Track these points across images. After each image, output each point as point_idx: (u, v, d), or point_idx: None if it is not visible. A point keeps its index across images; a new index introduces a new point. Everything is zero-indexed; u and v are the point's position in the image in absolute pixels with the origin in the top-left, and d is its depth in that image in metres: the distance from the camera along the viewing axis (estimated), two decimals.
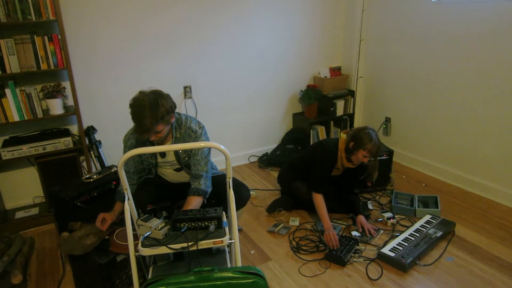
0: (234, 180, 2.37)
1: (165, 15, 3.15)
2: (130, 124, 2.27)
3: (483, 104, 2.98)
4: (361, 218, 2.65)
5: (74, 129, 3.07)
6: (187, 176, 2.38)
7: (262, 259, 2.44)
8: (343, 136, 2.66)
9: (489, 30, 2.83)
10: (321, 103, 3.92)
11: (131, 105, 2.04)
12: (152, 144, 2.18)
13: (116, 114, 3.18)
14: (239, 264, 1.76)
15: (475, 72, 2.99)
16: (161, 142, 2.18)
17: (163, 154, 2.28)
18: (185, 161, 2.28)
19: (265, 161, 3.84)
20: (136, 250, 1.70)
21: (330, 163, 2.66)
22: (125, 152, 2.25)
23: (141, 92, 2.06)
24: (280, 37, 3.72)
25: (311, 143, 3.92)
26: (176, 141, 2.21)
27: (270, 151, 3.97)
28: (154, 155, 2.28)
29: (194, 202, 2.10)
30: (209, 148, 2.29)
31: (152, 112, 1.97)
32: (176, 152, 2.27)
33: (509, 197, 2.92)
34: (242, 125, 3.82)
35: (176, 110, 2.17)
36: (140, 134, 2.05)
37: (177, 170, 2.35)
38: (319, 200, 2.62)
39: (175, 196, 2.39)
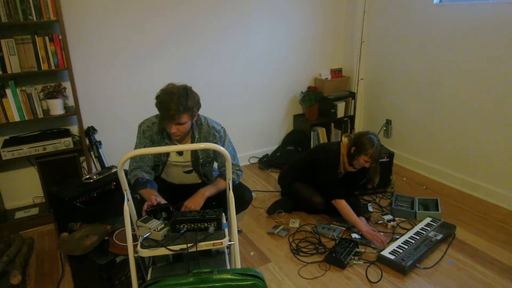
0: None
1: (167, 16, 3.15)
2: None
3: (484, 107, 2.98)
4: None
5: (74, 129, 3.07)
6: (192, 179, 2.38)
7: (262, 261, 2.44)
8: (344, 140, 2.66)
9: (490, 32, 2.83)
10: (321, 104, 3.92)
11: (159, 95, 2.05)
12: (170, 140, 2.20)
13: (117, 115, 3.18)
14: (239, 265, 1.75)
15: (476, 74, 2.98)
16: (180, 140, 2.18)
17: (180, 152, 2.28)
18: (201, 162, 2.30)
19: (266, 162, 3.83)
20: (135, 251, 1.70)
21: (334, 168, 2.66)
22: (138, 136, 2.24)
23: (170, 83, 2.09)
24: (281, 38, 3.72)
25: (312, 144, 3.92)
26: (197, 142, 2.21)
27: (271, 152, 3.97)
28: (166, 153, 2.28)
29: (220, 184, 2.24)
30: (233, 146, 2.37)
31: (180, 100, 1.98)
32: (194, 153, 2.27)
33: (510, 200, 2.92)
34: (242, 126, 3.82)
35: None
36: (164, 120, 2.04)
37: (187, 172, 2.35)
38: (344, 205, 2.59)
39: (175, 197, 2.38)
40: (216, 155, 2.33)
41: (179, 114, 1.99)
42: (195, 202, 2.09)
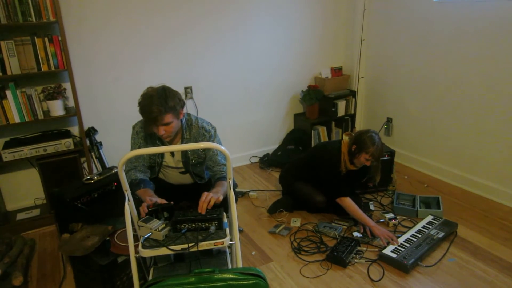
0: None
1: (167, 16, 3.14)
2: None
3: (486, 105, 2.97)
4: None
5: (75, 130, 3.07)
6: (189, 179, 2.37)
7: (263, 260, 2.43)
8: (345, 138, 2.66)
9: (491, 30, 2.82)
10: (322, 103, 3.91)
11: (140, 101, 2.03)
12: (161, 142, 2.18)
13: (117, 115, 3.18)
14: (240, 265, 1.75)
15: (477, 72, 2.98)
16: (171, 141, 2.17)
17: (173, 153, 2.27)
18: (192, 163, 2.27)
19: (266, 161, 3.83)
20: (136, 252, 1.70)
21: (335, 167, 2.66)
22: (133, 137, 2.22)
23: (149, 87, 2.07)
24: (281, 37, 3.71)
25: (313, 143, 3.92)
26: (187, 142, 2.19)
27: (271, 151, 3.97)
28: (160, 154, 2.26)
29: (225, 187, 2.02)
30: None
31: (160, 101, 1.96)
32: (184, 154, 2.25)
33: (511, 198, 2.91)
34: (243, 126, 3.82)
35: None
36: (149, 124, 2.02)
37: (182, 173, 2.34)
38: (349, 202, 2.59)
39: (175, 198, 2.37)
40: (206, 155, 2.26)
41: (162, 115, 1.97)
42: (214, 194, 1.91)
